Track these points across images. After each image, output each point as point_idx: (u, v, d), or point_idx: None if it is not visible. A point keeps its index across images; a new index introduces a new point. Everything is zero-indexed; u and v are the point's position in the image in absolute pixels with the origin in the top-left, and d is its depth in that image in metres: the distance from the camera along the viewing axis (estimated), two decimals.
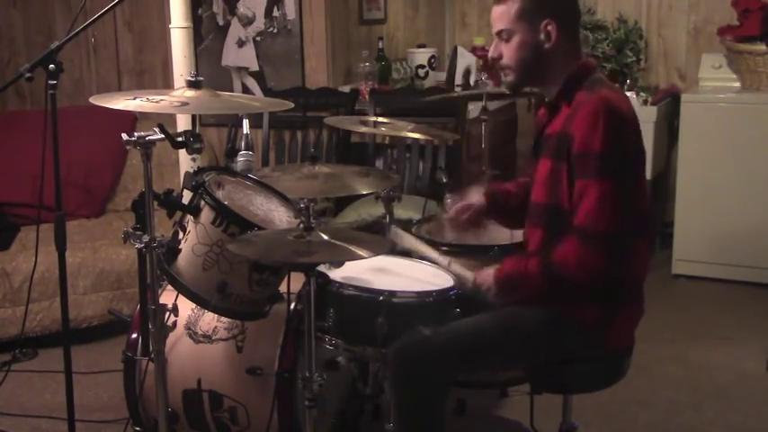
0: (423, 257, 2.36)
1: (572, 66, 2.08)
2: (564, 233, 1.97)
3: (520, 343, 2.07)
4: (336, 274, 2.26)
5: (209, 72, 4.40)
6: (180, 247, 2.15)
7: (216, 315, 2.34)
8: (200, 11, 4.44)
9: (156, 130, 2.06)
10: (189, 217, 2.16)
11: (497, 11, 2.09)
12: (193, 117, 2.45)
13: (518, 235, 2.61)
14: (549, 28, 2.05)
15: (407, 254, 2.52)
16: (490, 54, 2.14)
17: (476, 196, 2.39)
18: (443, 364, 2.01)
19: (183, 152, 2.97)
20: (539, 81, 2.15)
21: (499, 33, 2.10)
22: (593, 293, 2.02)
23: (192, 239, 2.14)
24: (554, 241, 2.00)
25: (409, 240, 2.36)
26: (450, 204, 2.44)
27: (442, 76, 4.58)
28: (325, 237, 1.98)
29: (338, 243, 1.98)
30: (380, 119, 2.92)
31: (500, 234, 2.70)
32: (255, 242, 2.05)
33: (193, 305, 2.33)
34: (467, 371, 2.14)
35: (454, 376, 2.11)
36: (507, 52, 2.10)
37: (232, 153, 2.54)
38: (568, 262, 1.94)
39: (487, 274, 2.09)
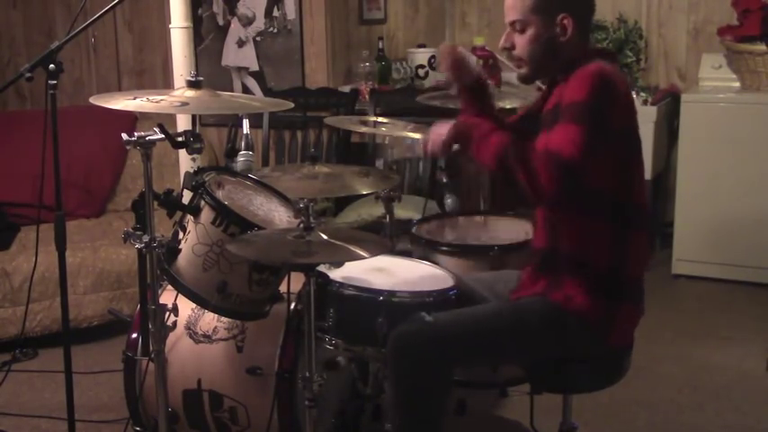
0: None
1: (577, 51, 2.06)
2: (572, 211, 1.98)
3: (522, 335, 2.06)
4: (336, 274, 2.25)
5: (209, 72, 4.41)
6: (180, 247, 2.15)
7: (216, 315, 2.34)
8: (200, 11, 4.44)
9: (156, 130, 2.06)
10: (189, 217, 2.16)
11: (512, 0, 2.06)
12: (193, 117, 2.45)
13: (517, 235, 2.62)
14: (566, 22, 2.02)
15: (408, 254, 2.52)
16: (501, 44, 2.11)
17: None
18: (444, 351, 1.99)
19: (183, 152, 2.97)
20: (550, 74, 2.12)
21: (513, 24, 2.06)
22: (596, 288, 2.02)
23: (192, 239, 2.14)
24: (558, 223, 2.02)
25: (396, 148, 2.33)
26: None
27: (442, 76, 4.58)
28: (325, 237, 1.98)
29: (338, 243, 1.98)
30: (380, 119, 2.92)
31: (500, 234, 2.70)
32: (255, 242, 2.05)
33: (193, 305, 2.33)
34: (467, 360, 2.12)
35: (454, 365, 2.10)
36: (520, 44, 2.06)
37: (232, 153, 2.53)
38: (535, 158, 1.83)
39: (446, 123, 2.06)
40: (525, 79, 2.14)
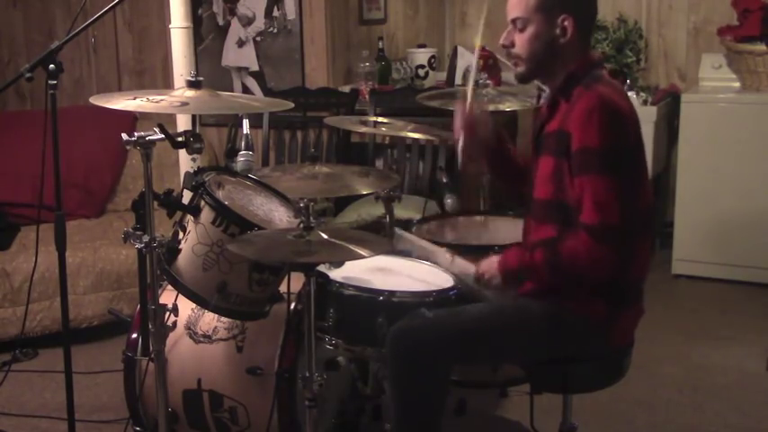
0: (426, 257, 2.36)
1: (576, 61, 2.07)
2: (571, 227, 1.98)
3: (522, 335, 2.06)
4: (336, 274, 2.25)
5: (209, 72, 4.41)
6: (180, 247, 2.15)
7: (216, 315, 2.34)
8: (200, 11, 4.44)
9: (156, 130, 2.06)
10: (189, 217, 2.16)
11: None
12: (193, 117, 2.46)
13: (517, 235, 2.62)
14: (567, 23, 2.03)
15: (407, 254, 2.52)
16: (501, 41, 2.11)
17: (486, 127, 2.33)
18: (443, 349, 1.99)
19: (183, 152, 2.97)
20: (547, 74, 2.12)
21: (514, 21, 2.07)
22: (599, 290, 2.02)
23: (192, 239, 2.14)
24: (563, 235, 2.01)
25: (412, 241, 2.37)
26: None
27: (442, 76, 4.58)
28: (325, 236, 1.98)
29: (338, 243, 1.98)
30: (380, 119, 2.92)
31: (500, 234, 2.70)
32: (255, 242, 2.05)
33: (193, 305, 2.33)
34: (466, 358, 2.13)
35: (453, 363, 2.10)
36: (520, 42, 2.07)
37: (232, 153, 2.53)
38: (579, 258, 1.93)
39: (490, 265, 2.09)
40: (522, 78, 2.14)
